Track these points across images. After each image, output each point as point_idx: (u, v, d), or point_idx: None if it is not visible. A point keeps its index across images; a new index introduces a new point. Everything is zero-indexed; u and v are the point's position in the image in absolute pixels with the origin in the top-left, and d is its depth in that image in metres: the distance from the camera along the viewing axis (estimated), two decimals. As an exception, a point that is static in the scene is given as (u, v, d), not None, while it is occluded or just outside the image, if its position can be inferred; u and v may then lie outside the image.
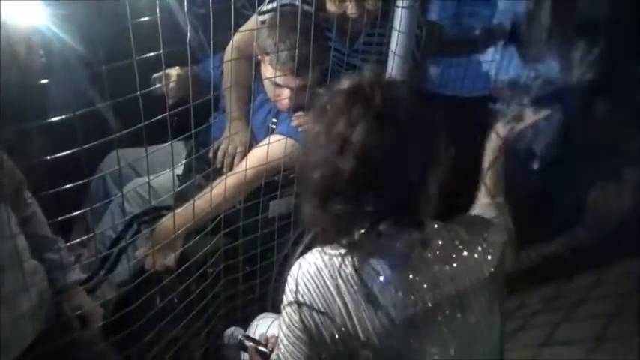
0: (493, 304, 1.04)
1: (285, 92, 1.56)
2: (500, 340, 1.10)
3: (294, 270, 1.01)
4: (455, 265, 1.00)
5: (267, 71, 1.53)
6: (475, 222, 1.14)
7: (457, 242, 1.02)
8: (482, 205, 1.30)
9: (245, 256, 1.53)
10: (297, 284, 0.99)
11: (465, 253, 1.01)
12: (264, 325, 1.43)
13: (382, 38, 1.41)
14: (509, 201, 1.34)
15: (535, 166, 3.12)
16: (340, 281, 0.97)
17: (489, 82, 2.41)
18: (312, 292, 0.98)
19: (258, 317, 1.47)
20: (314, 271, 0.98)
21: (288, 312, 1.00)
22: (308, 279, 0.98)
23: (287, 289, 1.01)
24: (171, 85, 1.63)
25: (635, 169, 2.79)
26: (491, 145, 1.36)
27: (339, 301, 0.97)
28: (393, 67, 1.38)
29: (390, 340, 0.98)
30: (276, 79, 1.51)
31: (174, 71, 1.65)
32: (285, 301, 1.02)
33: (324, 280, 0.98)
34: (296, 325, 0.99)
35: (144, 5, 0.97)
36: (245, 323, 1.50)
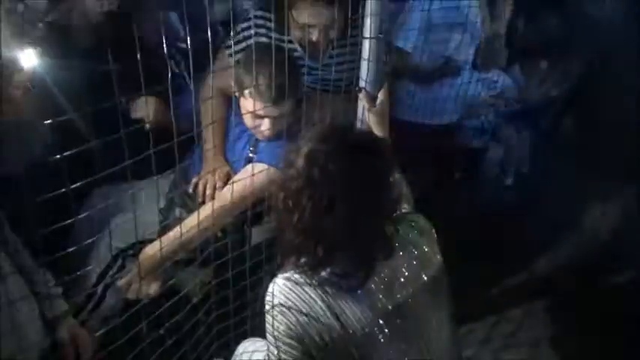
0: (441, 295, 1.18)
1: (266, 122, 1.62)
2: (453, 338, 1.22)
3: (270, 286, 1.09)
4: (413, 262, 1.14)
5: (248, 104, 1.60)
6: (408, 217, 1.25)
7: (407, 241, 1.16)
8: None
9: (227, 282, 1.56)
10: (275, 296, 1.06)
11: (416, 251, 1.15)
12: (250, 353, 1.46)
13: (353, 47, 1.48)
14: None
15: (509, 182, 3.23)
16: (318, 286, 1.06)
17: (456, 110, 2.51)
18: (292, 299, 1.05)
19: (243, 343, 1.50)
20: (291, 283, 1.06)
21: (273, 319, 1.06)
22: (286, 291, 1.06)
23: (266, 300, 1.09)
24: (150, 109, 1.69)
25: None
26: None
27: (320, 303, 1.05)
28: (368, 73, 1.46)
29: (369, 333, 1.07)
30: (256, 111, 1.58)
31: (151, 98, 1.70)
32: (267, 314, 1.08)
33: (302, 287, 1.06)
34: (283, 333, 1.05)
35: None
36: (232, 349, 1.53)
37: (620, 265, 2.79)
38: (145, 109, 1.69)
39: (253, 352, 1.45)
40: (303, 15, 1.64)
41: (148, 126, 1.64)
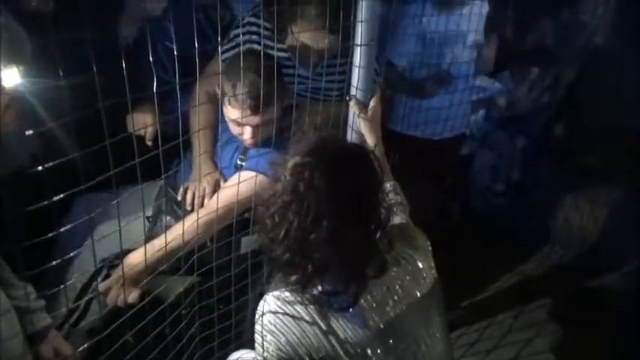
0: (435, 310, 1.16)
1: (248, 130, 1.60)
2: (447, 352, 1.19)
3: (260, 304, 1.07)
4: (406, 278, 1.12)
5: (229, 112, 1.58)
6: (402, 230, 1.23)
7: (401, 257, 1.14)
8: (390, 187, 1.39)
9: (219, 295, 1.53)
10: (265, 315, 1.04)
11: (410, 267, 1.13)
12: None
13: (345, 58, 1.47)
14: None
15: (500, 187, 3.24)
16: (308, 304, 1.04)
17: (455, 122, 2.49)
18: (282, 318, 1.03)
19: (234, 355, 1.47)
20: (281, 302, 1.04)
21: (263, 339, 1.05)
22: (276, 309, 1.04)
23: (256, 319, 1.07)
24: (150, 129, 1.68)
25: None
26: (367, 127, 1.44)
27: (310, 322, 1.03)
28: (359, 80, 1.44)
29: (361, 353, 1.05)
30: (237, 119, 1.56)
31: (148, 115, 1.70)
32: (257, 334, 1.06)
33: (292, 306, 1.04)
34: (273, 353, 1.03)
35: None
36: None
37: (610, 267, 2.82)
38: (141, 126, 1.68)
39: (238, 358, 1.45)
40: (302, 34, 1.62)
41: (150, 144, 1.66)
